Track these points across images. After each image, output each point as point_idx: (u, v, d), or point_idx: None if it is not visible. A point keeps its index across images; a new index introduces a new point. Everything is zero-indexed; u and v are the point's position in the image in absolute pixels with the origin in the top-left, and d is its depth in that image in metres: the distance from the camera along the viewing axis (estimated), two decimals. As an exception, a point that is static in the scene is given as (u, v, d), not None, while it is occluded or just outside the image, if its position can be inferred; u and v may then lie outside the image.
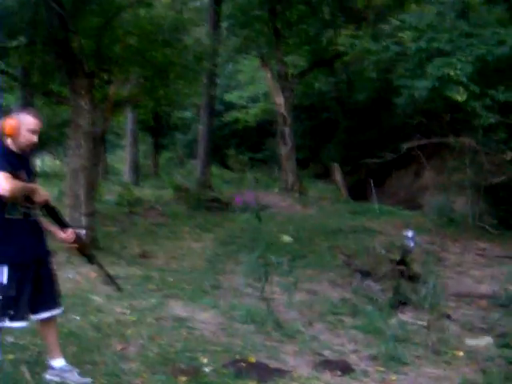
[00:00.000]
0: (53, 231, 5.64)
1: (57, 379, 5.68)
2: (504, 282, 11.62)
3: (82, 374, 5.77)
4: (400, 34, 13.33)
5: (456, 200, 18.69)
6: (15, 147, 5.24)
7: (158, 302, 9.14)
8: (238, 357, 6.70)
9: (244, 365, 6.39)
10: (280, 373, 6.33)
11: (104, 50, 13.85)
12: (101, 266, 6.25)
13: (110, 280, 7.01)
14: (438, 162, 25.25)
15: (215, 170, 30.22)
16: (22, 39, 14.18)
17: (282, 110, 24.09)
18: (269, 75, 24.37)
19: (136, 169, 32.27)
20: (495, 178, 16.19)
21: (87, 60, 13.10)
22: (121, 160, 39.79)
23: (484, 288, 11.48)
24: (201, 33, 22.65)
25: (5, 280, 5.15)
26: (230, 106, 38.72)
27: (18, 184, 4.99)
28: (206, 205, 20.70)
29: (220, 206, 20.92)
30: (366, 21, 24.67)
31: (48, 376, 5.73)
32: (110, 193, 22.05)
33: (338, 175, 25.38)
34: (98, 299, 9.13)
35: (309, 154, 34.01)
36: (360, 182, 27.64)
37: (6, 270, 5.15)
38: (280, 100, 24.03)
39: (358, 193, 26.44)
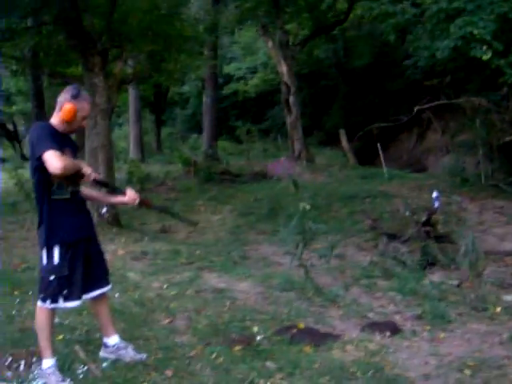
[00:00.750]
0: (115, 200, 5.74)
1: (112, 356, 5.72)
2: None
3: (136, 349, 5.83)
4: (420, -5, 13.36)
5: (465, 160, 18.71)
6: (62, 128, 5.22)
7: (193, 274, 9.22)
8: (286, 324, 6.78)
9: (295, 331, 6.46)
10: (331, 337, 6.40)
11: (115, 26, 13.81)
12: (171, 213, 6.39)
13: (183, 220, 7.14)
14: (442, 123, 25.33)
15: (220, 142, 30.15)
16: (31, 21, 14.13)
17: (286, 78, 23.96)
18: (270, 44, 24.23)
19: (141, 146, 32.25)
20: (507, 136, 16.18)
21: (99, 38, 13.06)
22: (120, 138, 39.71)
23: (508, 245, 11.55)
24: (201, 5, 22.61)
25: (56, 260, 5.14)
26: (228, 78, 38.69)
27: (69, 161, 4.96)
28: (217, 177, 20.71)
29: (231, 177, 20.95)
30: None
31: (103, 354, 5.77)
32: (118, 170, 22.04)
33: (344, 141, 25.35)
34: (133, 275, 9.21)
35: (310, 122, 34.01)
36: (365, 146, 27.66)
37: (57, 250, 5.15)
38: (283, 69, 23.90)
39: (363, 158, 26.48)
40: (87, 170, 5.22)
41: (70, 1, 12.58)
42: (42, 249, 5.20)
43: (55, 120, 5.23)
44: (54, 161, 4.81)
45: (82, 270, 5.32)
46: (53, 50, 15.18)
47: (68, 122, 5.18)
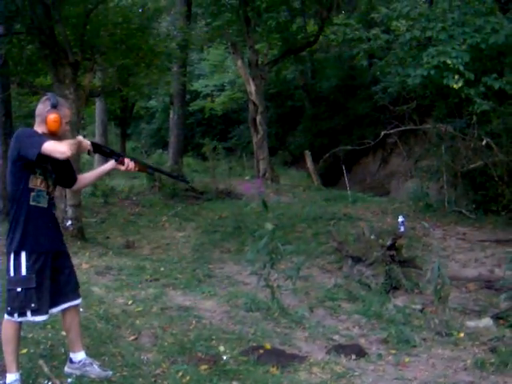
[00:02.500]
0: (113, 167, 5.69)
1: (77, 372, 5.65)
2: (489, 266, 11.89)
3: (102, 366, 5.78)
4: (394, 23, 13.50)
5: (429, 185, 18.89)
6: (47, 135, 5.17)
7: (158, 291, 9.18)
8: (252, 344, 6.77)
9: (261, 351, 6.46)
10: (298, 358, 6.41)
11: (88, 38, 13.79)
12: (165, 172, 6.47)
13: (175, 177, 7.14)
14: (406, 148, 25.59)
15: (185, 158, 30.10)
16: (2, 29, 14.03)
17: (253, 97, 24.09)
18: (239, 63, 24.33)
19: (105, 159, 31.92)
20: (471, 163, 16.39)
21: (71, 49, 13.00)
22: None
23: (470, 272, 11.69)
24: (173, 21, 22.66)
25: (24, 271, 5.08)
26: (195, 95, 38.70)
27: (68, 142, 4.97)
28: (181, 194, 20.66)
29: (195, 194, 20.92)
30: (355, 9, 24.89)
31: (68, 369, 5.70)
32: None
33: (309, 162, 25.46)
34: (97, 290, 9.13)
35: (276, 141, 34.15)
36: (329, 168, 27.82)
37: (24, 260, 5.10)
38: (251, 88, 24.02)
39: (327, 180, 26.64)
40: (82, 139, 5.29)
41: (43, 11, 12.53)
42: (9, 254, 5.15)
43: (39, 130, 5.22)
44: (57, 148, 4.83)
45: (50, 283, 5.27)
46: (23, 60, 15.06)
47: (55, 131, 5.17)
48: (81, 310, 7.77)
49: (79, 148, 5.25)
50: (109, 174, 6.52)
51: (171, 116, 26.52)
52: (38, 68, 16.15)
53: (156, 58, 15.90)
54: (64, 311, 5.58)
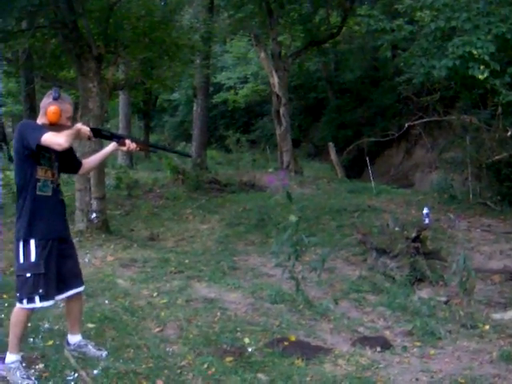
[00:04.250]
0: (115, 149, 5.82)
1: (74, 353, 5.84)
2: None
3: (96, 346, 5.99)
4: (418, 13, 13.43)
5: (453, 177, 18.79)
6: (47, 126, 5.31)
7: (182, 283, 9.20)
8: (277, 336, 6.77)
9: (286, 343, 6.46)
10: (322, 350, 6.41)
11: (111, 32, 13.83)
12: (164, 148, 6.49)
13: (177, 153, 7.19)
14: (430, 140, 25.46)
15: (208, 151, 30.10)
16: (26, 23, 14.11)
17: (277, 89, 24.02)
18: (263, 55, 24.27)
19: (130, 152, 32.04)
20: (496, 154, 16.28)
21: (95, 42, 13.04)
22: (108, 143, 39.47)
23: (495, 263, 11.62)
24: (196, 14, 22.67)
25: (33, 257, 5.25)
26: (218, 88, 38.71)
27: (65, 133, 5.08)
28: (205, 186, 20.69)
29: (219, 187, 20.94)
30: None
31: (65, 351, 5.89)
32: (106, 176, 21.89)
33: (332, 154, 25.41)
34: (123, 283, 9.18)
35: (299, 134, 34.13)
36: (353, 160, 27.78)
37: (33, 246, 5.26)
38: (274, 80, 23.95)
39: (351, 172, 26.58)
40: (81, 127, 5.39)
41: (66, 4, 12.56)
42: (18, 242, 5.30)
43: (41, 122, 5.39)
44: (55, 139, 4.97)
45: (56, 269, 5.43)
46: (47, 53, 15.15)
47: (54, 123, 5.30)
48: (106, 301, 7.91)
49: (78, 135, 5.37)
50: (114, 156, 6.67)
51: (194, 108, 26.52)
52: (62, 62, 16.20)
53: (179, 51, 15.89)
54: (68, 297, 5.75)
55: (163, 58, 16.04)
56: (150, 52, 15.02)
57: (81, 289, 5.80)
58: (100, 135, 5.73)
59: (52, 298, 5.40)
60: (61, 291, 5.56)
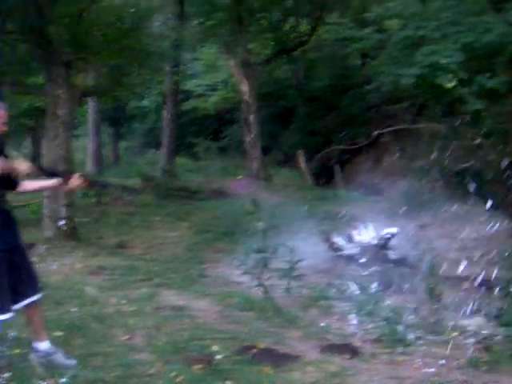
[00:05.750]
0: (56, 185, 5.80)
1: (42, 361, 5.78)
2: (483, 264, 11.90)
3: (65, 355, 5.91)
4: (387, 22, 13.56)
5: (421, 185, 18.93)
6: None
7: (151, 291, 9.17)
8: (246, 343, 6.76)
9: (255, 351, 6.45)
10: (291, 358, 6.41)
11: (80, 38, 13.77)
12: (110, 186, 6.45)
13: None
14: (398, 148, 25.61)
15: (178, 158, 30.03)
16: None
17: (246, 97, 24.08)
18: (233, 62, 24.32)
19: (98, 159, 32.07)
20: (464, 162, 16.46)
21: (64, 49, 12.99)
22: (77, 150, 39.28)
23: (463, 270, 11.70)
24: (165, 21, 22.69)
25: None
26: (188, 95, 38.62)
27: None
28: (175, 194, 20.64)
29: (188, 194, 20.89)
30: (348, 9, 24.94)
31: (33, 358, 5.84)
32: (74, 183, 21.79)
33: (302, 162, 25.48)
34: (91, 290, 9.14)
35: (269, 141, 34.12)
36: (322, 168, 27.84)
37: None
38: (244, 87, 24.01)
39: (320, 179, 26.64)
40: (21, 165, 5.32)
41: (35, 10, 12.49)
42: None
43: None
44: None
45: (8, 280, 5.34)
46: (16, 59, 15.06)
47: None
48: (74, 309, 7.87)
49: (14, 171, 5.29)
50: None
51: (164, 116, 26.52)
52: (31, 67, 16.14)
53: (149, 58, 15.88)
54: (26, 306, 5.68)
55: (133, 65, 16.01)
56: (119, 59, 14.99)
57: (36, 297, 5.72)
58: (43, 172, 5.70)
59: (8, 310, 5.33)
60: (16, 302, 5.48)
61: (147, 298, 8.77)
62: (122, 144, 42.25)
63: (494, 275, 10.57)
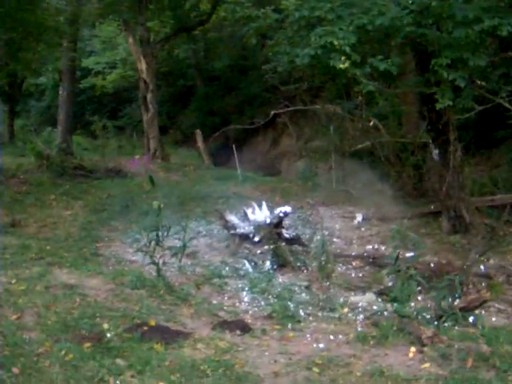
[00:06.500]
0: None
1: None
2: (374, 243, 12.21)
3: None
4: (284, 2, 13.62)
5: (318, 165, 19.23)
6: None
7: (42, 270, 9.00)
8: (137, 321, 6.76)
9: (146, 328, 6.45)
10: (182, 335, 6.44)
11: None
12: None
13: None
14: (296, 129, 25.91)
15: (74, 136, 29.51)
16: None
17: (144, 75, 23.80)
18: (131, 40, 24.00)
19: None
20: (359, 143, 16.78)
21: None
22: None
23: (356, 249, 11.97)
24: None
25: None
26: (86, 72, 37.99)
27: None
28: (70, 172, 20.27)
29: (84, 173, 20.56)
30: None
31: None
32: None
33: (200, 141, 25.44)
34: (-21, 270, 8.91)
35: (167, 120, 33.96)
36: (220, 148, 27.87)
37: None
38: (142, 66, 23.72)
39: (218, 159, 26.67)
40: None
41: None
42: None
43: None
44: None
45: None
46: None
47: None
48: (-39, 289, 7.66)
49: None
50: None
51: (60, 93, 26.00)
52: None
53: (44, 33, 15.52)
54: None
55: (28, 40, 15.60)
56: (14, 33, 14.59)
57: None
58: None
59: None
60: None
61: (38, 276, 8.60)
62: (19, 122, 41.31)
63: (386, 253, 10.89)
